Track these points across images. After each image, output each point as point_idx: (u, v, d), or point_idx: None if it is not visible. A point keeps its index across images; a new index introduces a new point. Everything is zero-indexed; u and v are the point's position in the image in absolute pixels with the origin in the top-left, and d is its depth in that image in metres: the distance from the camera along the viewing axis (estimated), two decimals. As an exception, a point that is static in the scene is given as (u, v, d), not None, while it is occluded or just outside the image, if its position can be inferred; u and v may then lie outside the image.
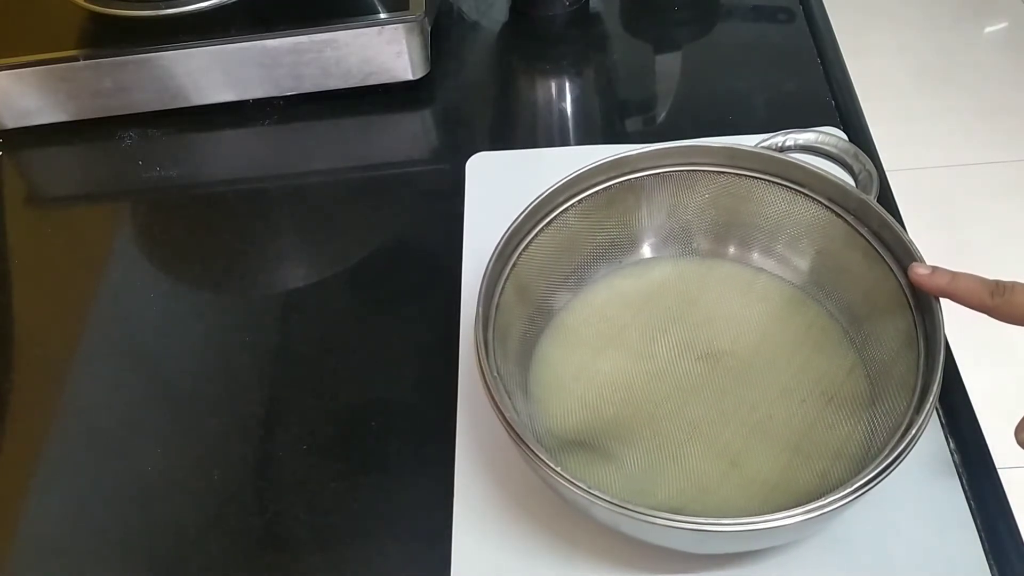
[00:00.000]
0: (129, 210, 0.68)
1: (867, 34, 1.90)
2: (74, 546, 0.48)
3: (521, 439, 0.40)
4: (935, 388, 0.41)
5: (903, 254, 0.46)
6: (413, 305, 0.57)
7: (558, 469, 0.39)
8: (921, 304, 0.45)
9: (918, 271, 0.44)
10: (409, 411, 0.52)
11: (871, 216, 0.48)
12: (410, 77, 0.69)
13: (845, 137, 0.62)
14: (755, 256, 0.53)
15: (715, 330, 0.51)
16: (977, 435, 0.48)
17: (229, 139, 0.70)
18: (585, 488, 0.38)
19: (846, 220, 0.49)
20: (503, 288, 0.48)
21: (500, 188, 0.61)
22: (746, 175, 0.51)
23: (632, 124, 0.69)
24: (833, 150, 0.52)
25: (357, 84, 0.69)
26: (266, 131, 0.70)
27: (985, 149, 1.66)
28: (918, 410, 0.40)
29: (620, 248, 0.54)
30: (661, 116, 0.69)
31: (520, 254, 0.49)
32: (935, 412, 0.48)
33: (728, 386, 0.48)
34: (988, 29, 1.95)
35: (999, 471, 0.46)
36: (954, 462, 0.47)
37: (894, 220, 0.46)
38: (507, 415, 0.41)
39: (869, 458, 0.41)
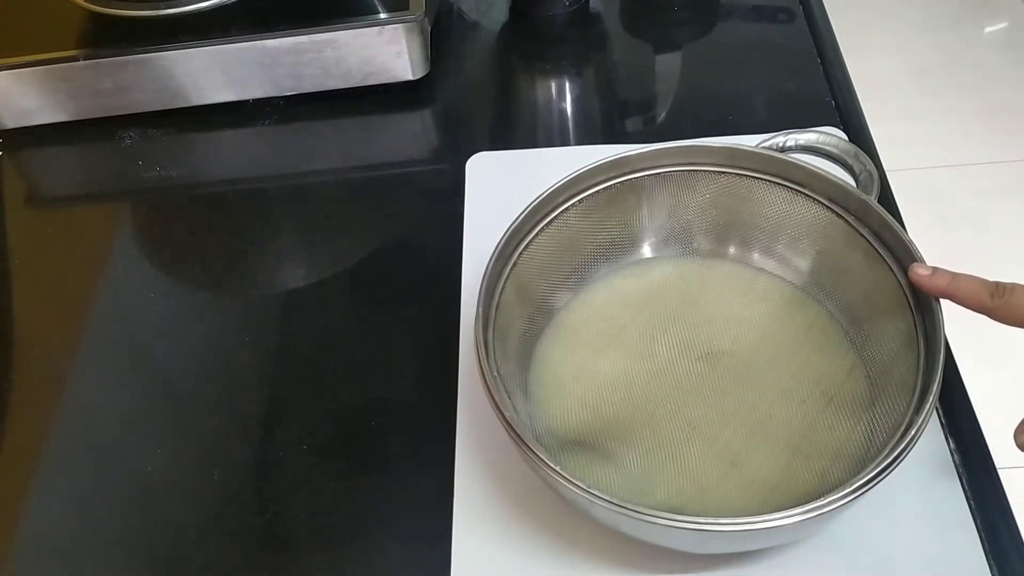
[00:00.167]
0: (129, 210, 0.68)
1: (867, 34, 1.90)
2: (74, 546, 0.48)
3: (521, 439, 0.40)
4: (935, 388, 0.41)
5: (903, 254, 0.46)
6: (413, 305, 0.57)
7: (558, 469, 0.39)
8: (921, 304, 0.45)
9: (918, 272, 0.44)
10: (409, 411, 0.52)
11: (871, 216, 0.48)
12: (410, 77, 0.69)
13: (845, 137, 0.62)
14: (755, 256, 0.53)
15: (715, 330, 0.51)
16: (977, 435, 0.48)
17: (229, 139, 0.70)
18: (584, 488, 0.38)
19: (846, 220, 0.49)
20: (503, 288, 0.48)
21: (500, 188, 0.61)
22: (746, 175, 0.51)
23: (632, 124, 0.69)
24: (833, 150, 0.52)
25: (357, 84, 0.69)
26: (266, 131, 0.70)
27: (985, 149, 1.66)
28: (918, 410, 0.40)
29: (620, 248, 0.54)
30: (661, 116, 0.69)
31: (520, 254, 0.49)
32: (935, 412, 0.48)
33: (728, 386, 0.48)
34: (988, 29, 1.95)
35: (999, 471, 0.46)
36: (954, 462, 0.47)
37: (894, 220, 0.46)
38: (507, 415, 0.41)
39: (869, 458, 0.41)
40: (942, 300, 0.43)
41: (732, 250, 0.54)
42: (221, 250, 0.62)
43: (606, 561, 0.45)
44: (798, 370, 0.49)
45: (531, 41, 0.76)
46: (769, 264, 0.53)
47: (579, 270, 0.53)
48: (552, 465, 0.39)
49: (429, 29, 0.69)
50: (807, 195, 0.50)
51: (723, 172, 0.52)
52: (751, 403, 0.47)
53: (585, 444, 0.47)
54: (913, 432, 0.39)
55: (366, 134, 0.70)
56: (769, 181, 0.51)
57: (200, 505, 0.49)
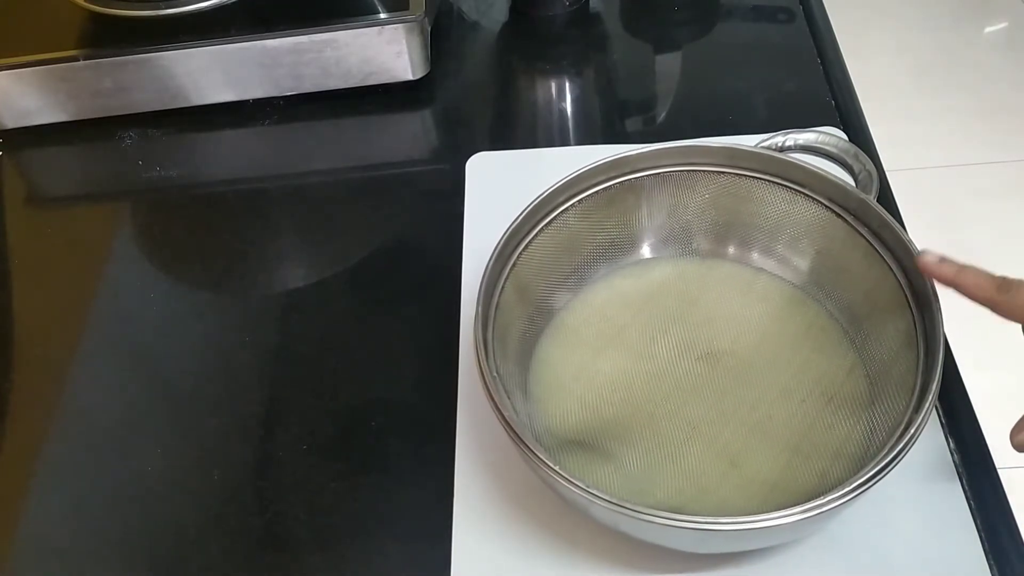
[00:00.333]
0: (129, 210, 0.68)
1: (867, 34, 1.90)
2: (74, 546, 0.48)
3: (521, 439, 0.40)
4: (934, 388, 0.41)
5: (903, 254, 0.46)
6: (413, 305, 0.57)
7: (557, 468, 0.39)
8: (921, 304, 0.45)
9: (926, 259, 0.44)
10: (409, 411, 0.52)
11: (871, 216, 0.48)
12: (410, 77, 0.69)
13: (845, 137, 0.62)
14: (755, 256, 0.53)
15: (715, 330, 0.51)
16: (977, 435, 0.48)
17: (229, 139, 0.70)
18: (584, 487, 0.38)
19: (846, 220, 0.49)
20: (503, 288, 0.48)
21: (500, 188, 0.61)
22: (746, 175, 0.51)
23: (632, 124, 0.69)
24: (833, 150, 0.52)
25: (357, 84, 0.69)
26: (266, 131, 0.70)
27: (985, 149, 1.66)
28: (917, 409, 0.40)
29: (620, 248, 0.54)
30: (661, 116, 0.69)
31: (520, 254, 0.49)
32: (935, 412, 0.48)
33: (728, 386, 0.48)
34: (988, 29, 1.95)
35: (999, 471, 0.46)
36: (954, 462, 0.47)
37: (894, 220, 0.46)
38: (507, 415, 0.41)
39: (868, 458, 0.41)
40: (942, 300, 0.43)
41: (732, 250, 0.54)
42: (221, 250, 0.62)
43: (606, 561, 0.45)
44: (798, 370, 0.49)
45: (531, 41, 0.76)
46: (769, 264, 0.53)
47: (579, 270, 0.53)
48: (552, 465, 0.39)
49: (429, 29, 0.69)
50: (807, 195, 0.50)
51: (723, 172, 0.52)
52: (751, 403, 0.47)
53: (585, 444, 0.47)
54: (912, 431, 0.39)
55: (366, 134, 0.70)
56: (769, 181, 0.51)
57: (200, 505, 0.49)
